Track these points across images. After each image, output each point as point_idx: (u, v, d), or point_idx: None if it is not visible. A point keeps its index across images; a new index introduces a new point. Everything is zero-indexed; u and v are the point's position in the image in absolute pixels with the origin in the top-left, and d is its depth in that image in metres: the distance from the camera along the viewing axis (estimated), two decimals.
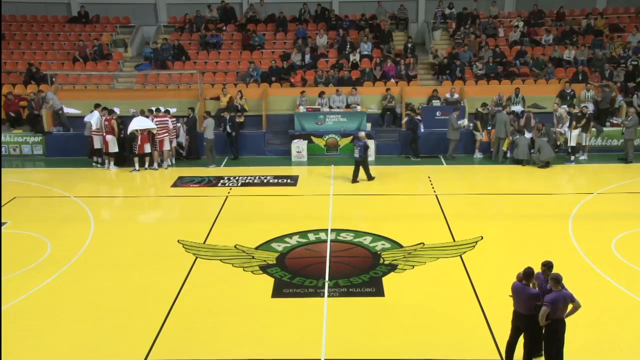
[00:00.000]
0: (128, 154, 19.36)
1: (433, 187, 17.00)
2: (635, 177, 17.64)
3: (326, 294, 10.68)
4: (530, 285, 8.14)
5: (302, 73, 23.80)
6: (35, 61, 24.53)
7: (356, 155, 17.41)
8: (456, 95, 21.46)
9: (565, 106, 20.27)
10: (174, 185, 17.60)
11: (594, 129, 19.59)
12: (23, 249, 12.84)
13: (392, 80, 23.10)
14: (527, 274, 8.12)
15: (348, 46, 24.82)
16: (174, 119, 19.67)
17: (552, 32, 25.82)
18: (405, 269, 11.66)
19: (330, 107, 21.54)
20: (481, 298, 10.40)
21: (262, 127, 21.38)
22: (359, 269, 11.73)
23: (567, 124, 19.33)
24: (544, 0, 27.31)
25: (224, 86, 22.35)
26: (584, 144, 19.58)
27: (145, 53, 24.91)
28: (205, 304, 10.50)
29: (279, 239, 13.17)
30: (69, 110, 21.53)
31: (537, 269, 11.57)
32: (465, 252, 12.36)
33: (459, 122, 19.70)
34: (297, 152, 20.17)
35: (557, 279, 7.86)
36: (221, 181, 17.77)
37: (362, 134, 17.91)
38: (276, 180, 17.87)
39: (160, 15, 28.93)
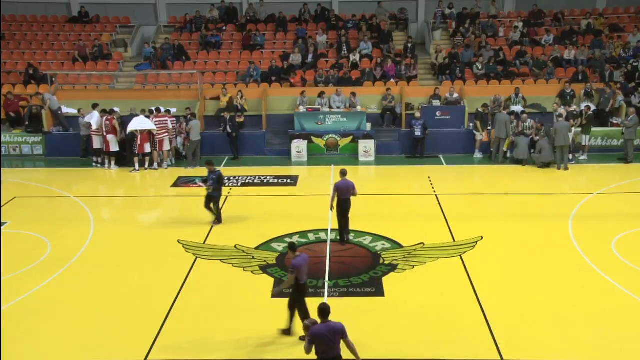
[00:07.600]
0: (128, 154, 19.37)
1: (433, 187, 17.00)
2: (635, 177, 17.64)
3: (326, 294, 10.68)
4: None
5: (302, 73, 23.78)
6: (35, 61, 24.52)
7: (418, 133, 19.80)
8: (456, 95, 21.45)
9: (566, 106, 20.26)
10: (174, 185, 17.61)
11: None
12: (23, 249, 12.84)
13: (392, 80, 23.08)
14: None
15: (345, 47, 24.76)
16: (174, 119, 19.67)
17: (552, 32, 25.79)
18: (405, 269, 11.66)
19: (330, 107, 21.55)
20: (481, 298, 10.40)
21: (262, 127, 21.36)
22: (359, 269, 11.74)
23: None
24: (544, 1, 27.31)
25: (224, 86, 22.34)
26: (584, 144, 19.60)
27: (145, 53, 24.91)
28: (205, 304, 10.50)
29: (279, 239, 13.18)
30: (68, 110, 21.52)
31: (537, 270, 11.60)
32: (465, 252, 12.36)
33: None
34: (297, 152, 20.16)
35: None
36: None
37: (417, 114, 20.33)
38: (276, 180, 17.86)
39: (160, 15, 28.91)
